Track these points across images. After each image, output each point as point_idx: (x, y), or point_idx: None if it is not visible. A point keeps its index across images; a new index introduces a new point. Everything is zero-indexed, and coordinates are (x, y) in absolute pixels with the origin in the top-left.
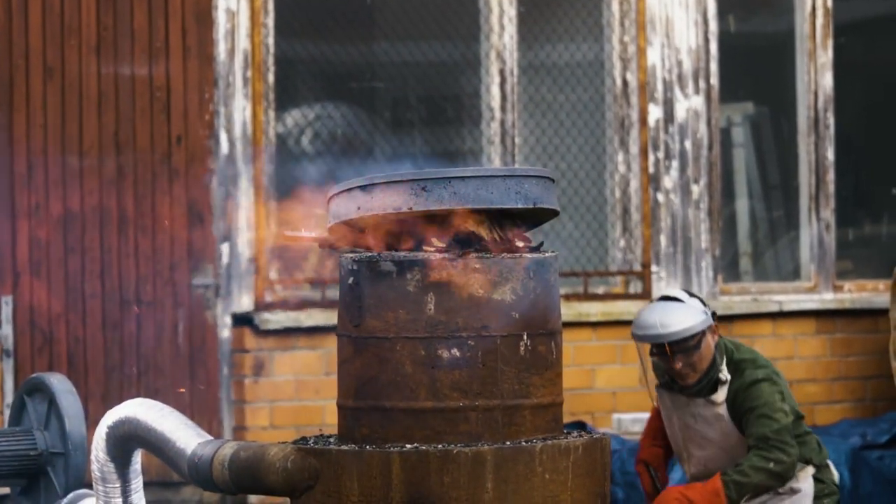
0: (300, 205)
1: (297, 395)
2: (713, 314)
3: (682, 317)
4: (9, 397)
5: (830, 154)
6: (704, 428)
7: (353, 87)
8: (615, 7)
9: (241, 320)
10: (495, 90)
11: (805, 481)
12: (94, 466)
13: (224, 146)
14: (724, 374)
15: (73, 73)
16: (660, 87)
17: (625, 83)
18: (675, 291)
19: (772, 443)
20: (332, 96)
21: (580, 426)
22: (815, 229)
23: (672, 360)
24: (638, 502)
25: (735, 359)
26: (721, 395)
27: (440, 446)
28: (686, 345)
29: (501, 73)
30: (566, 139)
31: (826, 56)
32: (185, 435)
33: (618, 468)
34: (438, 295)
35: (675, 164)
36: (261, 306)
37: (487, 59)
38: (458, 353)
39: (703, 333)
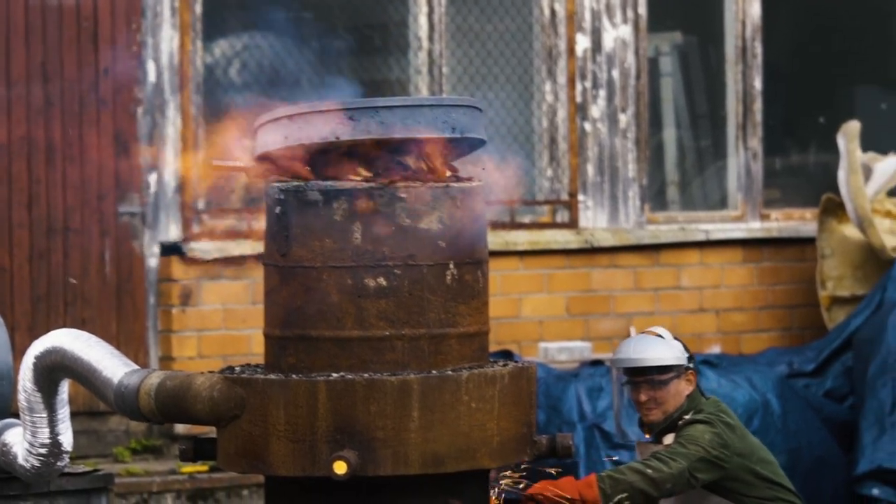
0: (227, 135)
1: (224, 324)
2: (691, 359)
3: (657, 350)
4: None
5: (758, 83)
6: None
7: (281, 18)
8: None
9: (169, 250)
10: (423, 20)
11: None
12: (21, 396)
13: (151, 76)
14: (684, 422)
15: (1, 3)
16: (588, 16)
17: (552, 13)
18: (659, 329)
19: (658, 455)
20: (260, 27)
21: (506, 355)
22: (742, 158)
23: (638, 390)
24: (561, 426)
25: (697, 409)
26: (669, 438)
27: (366, 375)
28: (654, 377)
29: (429, 2)
30: (494, 69)
31: None
32: (111, 364)
33: (542, 391)
34: (365, 224)
35: (602, 93)
36: (188, 236)
37: None
38: (384, 283)
39: (674, 372)
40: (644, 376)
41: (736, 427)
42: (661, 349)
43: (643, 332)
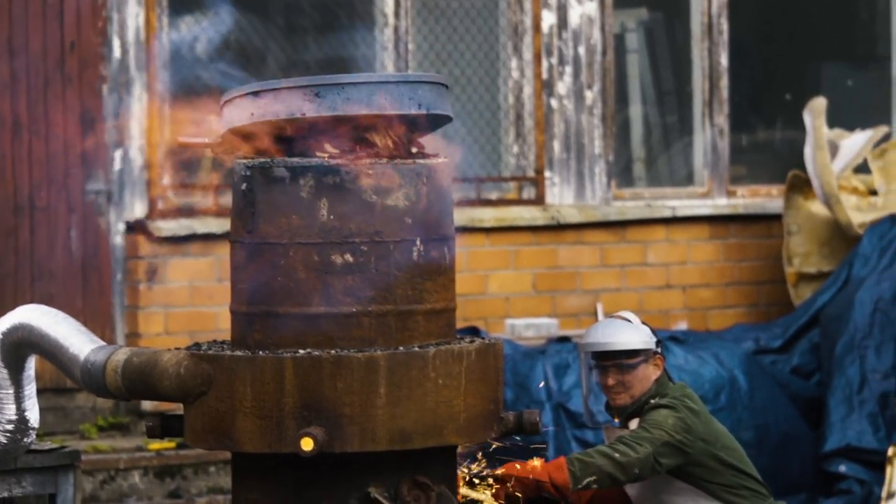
0: (194, 111)
1: (190, 301)
2: (658, 343)
3: (625, 334)
4: None
5: (724, 60)
6: None
7: None
8: None
9: (135, 227)
10: None
11: None
12: None
13: (116, 52)
14: (649, 407)
15: None
16: None
17: None
18: (627, 314)
19: (624, 440)
20: (226, 2)
21: (473, 331)
22: (708, 135)
23: (606, 374)
24: (528, 403)
25: (663, 394)
26: (635, 423)
27: (333, 352)
28: (622, 361)
29: None
30: (460, 45)
31: None
32: (78, 341)
33: (509, 368)
34: (332, 201)
35: (568, 69)
36: (154, 213)
37: None
38: (351, 259)
39: (642, 357)
40: (612, 360)
41: (700, 412)
42: (630, 333)
43: (611, 317)
